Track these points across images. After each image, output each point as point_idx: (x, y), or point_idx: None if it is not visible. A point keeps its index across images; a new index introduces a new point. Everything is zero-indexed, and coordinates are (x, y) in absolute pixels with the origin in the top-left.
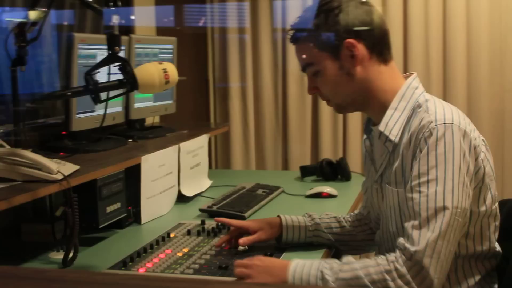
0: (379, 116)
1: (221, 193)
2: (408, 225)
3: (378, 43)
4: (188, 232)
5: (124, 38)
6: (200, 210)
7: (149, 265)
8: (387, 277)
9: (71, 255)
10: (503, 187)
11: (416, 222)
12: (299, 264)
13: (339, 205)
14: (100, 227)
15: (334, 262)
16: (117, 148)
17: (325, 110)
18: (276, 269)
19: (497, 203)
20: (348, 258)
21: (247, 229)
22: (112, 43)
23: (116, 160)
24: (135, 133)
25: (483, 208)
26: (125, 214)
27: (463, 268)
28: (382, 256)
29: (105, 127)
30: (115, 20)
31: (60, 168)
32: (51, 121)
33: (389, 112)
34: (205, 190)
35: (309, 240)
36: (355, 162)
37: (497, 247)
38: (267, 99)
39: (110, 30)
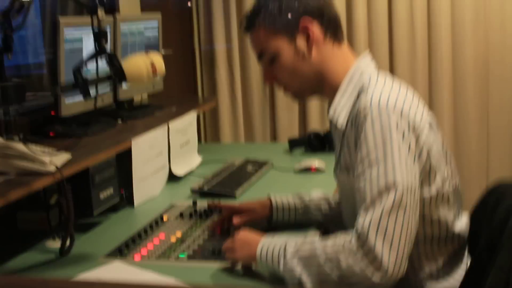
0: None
1: (211, 171)
2: (359, 210)
3: (331, 24)
4: (181, 215)
5: (108, 18)
6: (192, 190)
7: (144, 252)
8: (341, 255)
9: (67, 244)
10: (488, 162)
11: (364, 206)
12: (269, 240)
13: (328, 179)
14: (94, 215)
15: (299, 240)
16: (107, 131)
17: None
18: (251, 244)
19: (450, 184)
20: (311, 237)
21: (239, 210)
22: (99, 38)
23: (107, 145)
24: (124, 114)
25: (433, 192)
26: (118, 199)
27: (426, 253)
28: (341, 236)
29: (94, 110)
30: (101, 16)
31: (53, 159)
32: (40, 102)
33: (337, 97)
34: (196, 167)
35: (298, 220)
36: None
37: (459, 228)
38: (254, 67)
39: (97, 27)
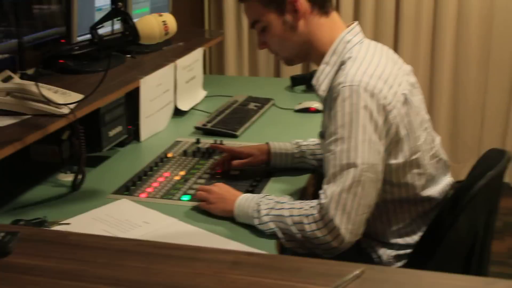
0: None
1: (214, 107)
2: (324, 180)
3: None
4: (184, 153)
5: None
6: (196, 127)
7: (149, 189)
8: (305, 220)
9: (79, 178)
10: (483, 122)
11: (327, 178)
12: (245, 196)
13: None
14: (103, 151)
15: (272, 199)
16: (116, 67)
17: None
18: (228, 199)
19: (420, 153)
20: (284, 198)
21: (239, 154)
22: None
23: (116, 85)
24: (133, 48)
25: (400, 160)
26: (126, 136)
27: (395, 211)
28: (308, 201)
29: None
30: None
31: (67, 100)
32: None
33: (321, 67)
34: (200, 102)
35: (295, 166)
36: None
37: (431, 192)
38: None
39: None
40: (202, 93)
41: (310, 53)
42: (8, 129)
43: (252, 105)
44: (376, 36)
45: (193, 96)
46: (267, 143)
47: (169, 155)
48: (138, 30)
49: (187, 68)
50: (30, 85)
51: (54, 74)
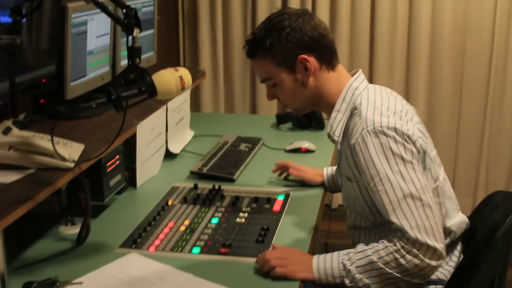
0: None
1: (204, 148)
2: (386, 217)
3: (326, 54)
4: (185, 200)
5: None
6: (191, 172)
7: (157, 242)
8: (397, 255)
9: (84, 233)
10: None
11: (389, 213)
12: (320, 259)
13: (319, 160)
14: (105, 201)
15: (350, 252)
16: (109, 110)
17: None
18: (301, 262)
19: (438, 182)
20: (361, 246)
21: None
22: (134, 55)
23: (113, 130)
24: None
25: None
26: (124, 184)
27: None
28: (386, 240)
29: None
30: (136, 33)
31: (70, 153)
32: (38, 78)
33: (333, 114)
34: (188, 142)
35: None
36: None
37: (450, 224)
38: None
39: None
40: (190, 134)
41: (319, 104)
42: (15, 186)
43: (243, 146)
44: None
45: (182, 137)
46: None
47: (170, 202)
48: (155, 86)
49: (177, 110)
50: (33, 138)
51: (45, 121)
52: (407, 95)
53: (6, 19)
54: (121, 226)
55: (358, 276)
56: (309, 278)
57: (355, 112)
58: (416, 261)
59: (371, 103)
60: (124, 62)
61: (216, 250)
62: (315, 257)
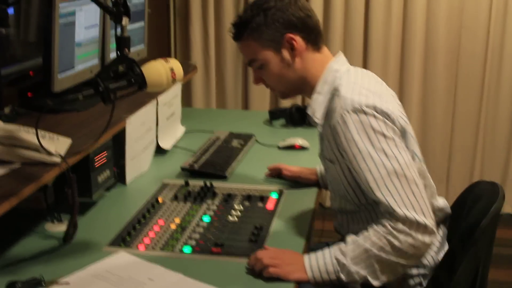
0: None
1: (195, 144)
2: (372, 196)
3: (312, 34)
4: (175, 197)
5: None
6: (182, 168)
7: (147, 240)
8: (390, 238)
9: (72, 230)
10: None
11: (372, 191)
12: (312, 258)
13: (312, 157)
14: (93, 198)
15: (342, 246)
16: (97, 104)
17: None
18: (294, 263)
19: (421, 164)
20: (351, 238)
21: (290, 169)
22: (122, 45)
23: (101, 124)
24: None
25: None
26: (113, 180)
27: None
28: (375, 224)
29: (84, 82)
30: (125, 22)
31: (57, 147)
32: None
33: (314, 96)
34: (179, 138)
35: None
36: None
37: (435, 205)
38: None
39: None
40: (181, 129)
41: (305, 87)
42: None
43: (235, 142)
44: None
45: (173, 133)
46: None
47: (160, 200)
48: (145, 78)
49: (168, 104)
50: (19, 131)
51: (32, 114)
52: (402, 91)
53: None
54: (110, 224)
55: (353, 268)
56: (303, 279)
57: (336, 93)
58: (410, 240)
59: (351, 83)
60: (114, 55)
61: (208, 249)
62: (307, 256)
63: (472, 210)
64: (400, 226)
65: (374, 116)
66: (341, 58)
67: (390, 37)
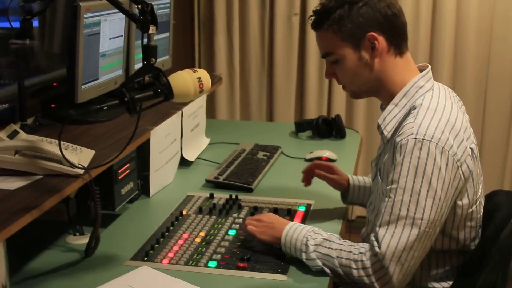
0: (387, 104)
1: (220, 156)
2: (377, 223)
3: (397, 36)
4: (200, 210)
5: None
6: (207, 181)
7: (170, 254)
8: (353, 265)
9: (94, 244)
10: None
11: (380, 222)
12: (293, 227)
13: (341, 169)
14: (116, 210)
15: (320, 235)
16: (119, 116)
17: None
18: (277, 227)
19: (475, 206)
20: (332, 236)
21: (325, 166)
22: (149, 54)
23: (125, 135)
24: None
25: (458, 214)
26: (136, 192)
27: (441, 258)
28: (358, 244)
29: (108, 93)
30: (152, 30)
31: (80, 159)
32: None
33: (389, 107)
34: (203, 150)
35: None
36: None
37: (471, 245)
38: (253, 37)
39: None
40: (206, 141)
41: (380, 90)
42: (20, 193)
43: (261, 154)
44: None
45: (197, 144)
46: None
47: (184, 212)
48: (172, 88)
49: (192, 115)
50: (41, 142)
51: (55, 125)
52: None
53: (18, 24)
54: (133, 237)
55: (313, 255)
56: (276, 243)
57: (413, 111)
58: (365, 279)
59: (431, 109)
60: (138, 66)
61: (233, 264)
62: (290, 223)
63: (492, 220)
64: (370, 264)
65: (434, 159)
66: (428, 74)
67: (418, 49)
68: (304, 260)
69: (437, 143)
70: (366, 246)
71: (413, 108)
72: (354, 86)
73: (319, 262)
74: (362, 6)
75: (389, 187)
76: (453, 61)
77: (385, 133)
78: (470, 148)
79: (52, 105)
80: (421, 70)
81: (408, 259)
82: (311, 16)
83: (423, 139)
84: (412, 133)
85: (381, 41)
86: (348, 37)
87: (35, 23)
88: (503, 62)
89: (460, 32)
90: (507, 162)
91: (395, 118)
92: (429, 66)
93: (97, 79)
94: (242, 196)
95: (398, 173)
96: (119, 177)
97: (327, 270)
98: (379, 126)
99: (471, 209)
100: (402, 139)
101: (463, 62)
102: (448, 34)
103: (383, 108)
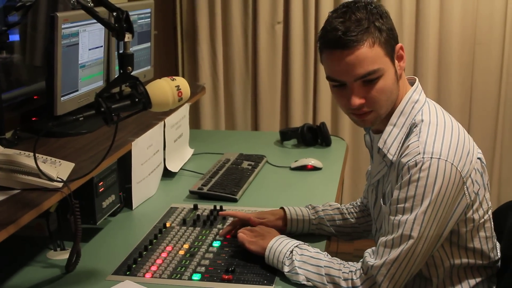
0: (381, 124)
1: (204, 166)
2: (379, 239)
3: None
4: (184, 222)
5: (102, 9)
6: (190, 192)
7: (153, 268)
8: (343, 284)
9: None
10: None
11: (383, 240)
12: (279, 240)
13: (326, 178)
14: (97, 224)
15: (307, 250)
16: (102, 126)
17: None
18: (267, 238)
19: (487, 215)
20: (320, 253)
21: (251, 222)
22: (125, 62)
23: (106, 147)
24: None
25: (470, 226)
26: (118, 205)
27: (458, 275)
28: (348, 263)
29: (88, 104)
30: (127, 38)
31: (59, 172)
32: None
33: (388, 128)
34: (187, 161)
35: (311, 232)
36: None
37: (497, 255)
38: (237, 47)
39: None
40: (189, 151)
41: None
42: None
43: (245, 164)
44: None
45: (181, 155)
46: (282, 208)
47: (168, 224)
48: (149, 97)
49: (175, 126)
50: (18, 156)
51: (34, 138)
52: None
53: None
54: (115, 251)
55: (299, 270)
56: (260, 254)
57: (414, 129)
58: None
59: (433, 124)
60: None
61: (218, 276)
62: (276, 237)
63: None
64: (363, 278)
65: (443, 177)
66: (419, 87)
67: None
68: (285, 273)
69: (446, 160)
70: (357, 264)
71: (414, 125)
72: (385, 107)
73: (302, 278)
74: (388, 16)
75: (395, 205)
76: (437, 67)
77: (390, 156)
78: (478, 158)
79: (33, 118)
80: (409, 83)
81: (401, 274)
82: (346, 32)
83: (431, 157)
84: (419, 153)
85: (404, 53)
86: (389, 50)
87: (16, 37)
88: (487, 66)
89: (444, 37)
90: (493, 167)
91: (396, 140)
92: (417, 79)
93: (77, 90)
94: (226, 207)
95: (405, 193)
96: (100, 190)
97: (310, 284)
98: (379, 150)
99: (482, 220)
100: (409, 160)
101: (448, 68)
102: (431, 41)
103: (367, 128)
